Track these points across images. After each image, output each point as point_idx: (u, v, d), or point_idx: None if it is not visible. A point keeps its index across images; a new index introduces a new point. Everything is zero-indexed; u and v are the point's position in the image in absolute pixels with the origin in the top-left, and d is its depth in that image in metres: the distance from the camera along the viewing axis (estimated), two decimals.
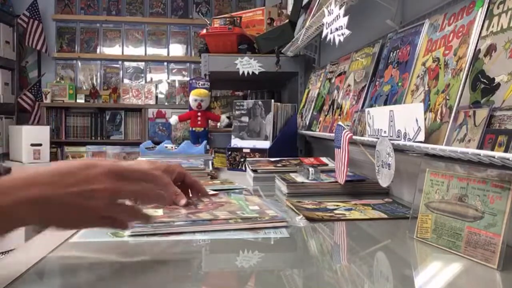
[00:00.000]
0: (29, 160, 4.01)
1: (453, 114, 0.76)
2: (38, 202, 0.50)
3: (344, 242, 0.78)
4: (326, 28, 1.25)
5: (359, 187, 1.13)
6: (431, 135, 0.81)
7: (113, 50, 4.82)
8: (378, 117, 0.97)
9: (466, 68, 0.77)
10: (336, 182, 1.14)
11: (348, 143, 1.07)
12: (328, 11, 1.24)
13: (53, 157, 4.29)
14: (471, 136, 0.69)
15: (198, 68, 4.71)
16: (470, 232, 0.61)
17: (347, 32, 1.12)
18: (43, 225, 0.54)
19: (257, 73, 2.16)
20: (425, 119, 0.82)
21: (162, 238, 0.69)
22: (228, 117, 2.32)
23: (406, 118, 0.85)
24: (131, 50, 4.83)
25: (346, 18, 1.12)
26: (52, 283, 0.57)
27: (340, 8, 1.16)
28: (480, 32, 0.76)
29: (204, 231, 0.73)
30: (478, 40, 0.77)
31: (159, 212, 0.82)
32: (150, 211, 0.80)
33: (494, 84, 0.68)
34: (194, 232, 0.73)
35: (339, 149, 1.12)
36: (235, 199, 0.96)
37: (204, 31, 2.24)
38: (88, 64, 4.79)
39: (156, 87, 4.76)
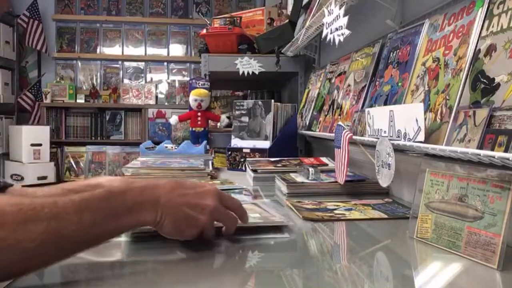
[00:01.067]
0: (29, 160, 4.00)
1: (453, 114, 0.76)
2: (159, 202, 0.60)
3: (344, 242, 0.78)
4: (326, 28, 1.25)
5: (359, 187, 1.13)
6: (431, 135, 0.81)
7: (113, 50, 4.82)
8: (378, 117, 0.97)
9: (466, 68, 0.77)
10: (336, 182, 1.14)
11: (348, 143, 1.07)
12: (328, 11, 1.24)
13: (53, 157, 4.29)
14: (471, 136, 0.69)
15: (198, 68, 4.70)
16: (470, 232, 0.61)
17: (347, 32, 1.12)
18: (157, 226, 0.62)
19: (257, 73, 2.16)
20: (425, 119, 0.82)
21: (162, 238, 0.69)
22: (228, 117, 2.32)
23: (406, 118, 0.84)
24: (131, 50, 4.83)
25: (346, 18, 1.12)
26: (52, 283, 0.57)
27: (340, 8, 1.16)
28: (480, 32, 0.76)
29: None
30: (478, 40, 0.76)
31: None
32: None
33: (494, 84, 0.68)
34: None
35: (339, 149, 1.12)
36: None
37: (204, 31, 2.24)
38: (88, 64, 4.79)
39: (156, 87, 4.76)
